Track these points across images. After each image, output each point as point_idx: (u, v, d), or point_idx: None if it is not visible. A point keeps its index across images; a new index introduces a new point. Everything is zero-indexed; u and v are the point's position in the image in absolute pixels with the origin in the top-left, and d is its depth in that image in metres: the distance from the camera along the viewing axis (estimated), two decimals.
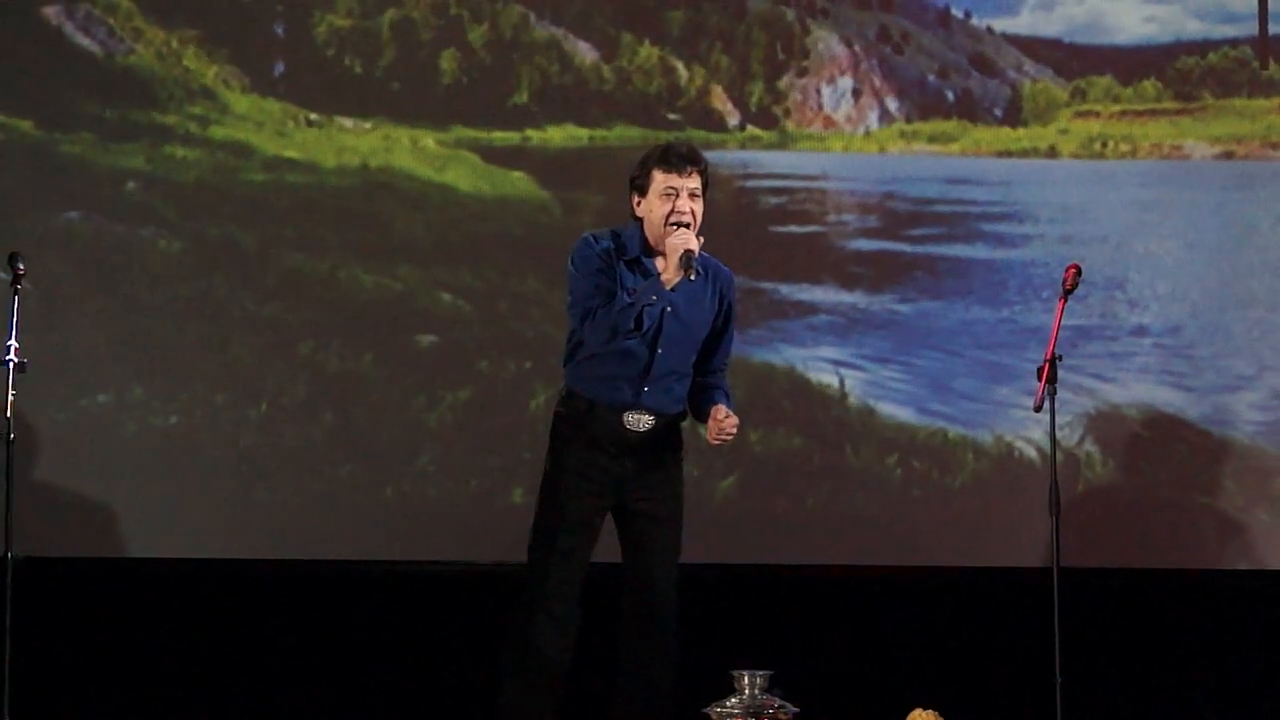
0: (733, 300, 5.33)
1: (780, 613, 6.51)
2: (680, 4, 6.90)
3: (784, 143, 6.89)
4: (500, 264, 6.79)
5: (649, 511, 5.23)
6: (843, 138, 6.90)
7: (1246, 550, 6.60)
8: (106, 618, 6.60)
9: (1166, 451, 6.67)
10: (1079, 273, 5.40)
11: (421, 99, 6.88)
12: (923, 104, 6.91)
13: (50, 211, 6.79)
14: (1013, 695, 6.31)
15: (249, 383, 6.74)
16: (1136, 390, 6.70)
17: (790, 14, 6.91)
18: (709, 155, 5.30)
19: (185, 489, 6.66)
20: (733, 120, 6.90)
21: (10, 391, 5.38)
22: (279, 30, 6.93)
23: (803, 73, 6.92)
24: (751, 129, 6.89)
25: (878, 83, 6.91)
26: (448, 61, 6.89)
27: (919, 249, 6.82)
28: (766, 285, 6.75)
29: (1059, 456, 5.34)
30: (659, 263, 5.13)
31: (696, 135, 6.73)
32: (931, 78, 6.92)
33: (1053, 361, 5.23)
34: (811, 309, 6.78)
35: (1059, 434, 5.34)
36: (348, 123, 6.87)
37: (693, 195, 5.13)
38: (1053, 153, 6.86)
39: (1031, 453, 6.64)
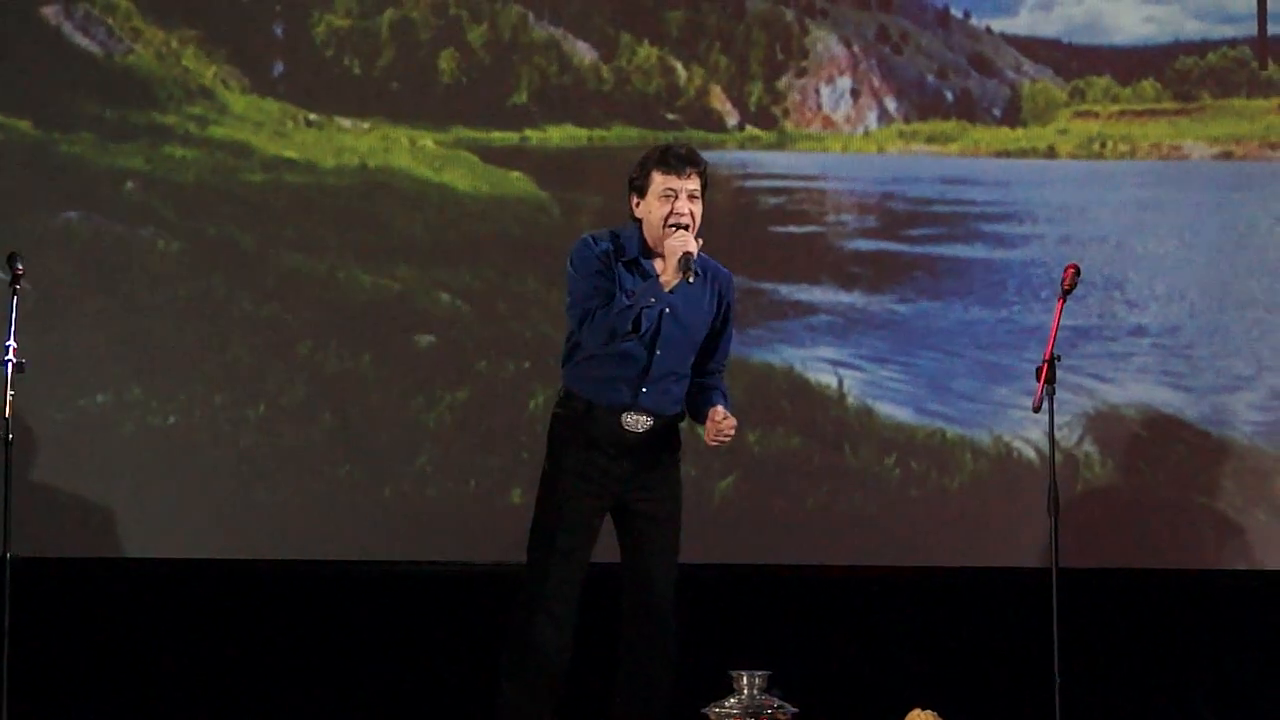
0: (731, 301, 5.33)
1: (779, 613, 6.51)
2: (679, 4, 6.90)
3: (783, 143, 6.89)
4: (499, 264, 6.79)
5: (648, 512, 5.23)
6: (841, 138, 6.90)
7: (1245, 550, 6.60)
8: (105, 618, 6.60)
9: (1165, 452, 6.67)
10: (1078, 273, 5.39)
11: (420, 99, 6.88)
12: (921, 104, 6.92)
13: (49, 211, 6.79)
14: (1011, 695, 6.31)
15: (248, 383, 6.73)
16: (1135, 390, 6.70)
17: (789, 14, 6.91)
18: (708, 155, 5.29)
19: (184, 489, 6.65)
20: (731, 120, 6.90)
21: (9, 392, 5.37)
22: (278, 30, 6.92)
23: (802, 73, 6.92)
24: (750, 129, 6.89)
25: (876, 83, 6.91)
26: (446, 61, 6.89)
27: (918, 249, 6.82)
28: (765, 285, 6.75)
29: (1057, 457, 5.34)
30: (658, 264, 5.13)
31: (695, 135, 6.73)
32: (930, 78, 6.92)
33: (1051, 362, 5.22)
34: (810, 309, 6.78)
35: (1057, 434, 5.34)
36: (346, 123, 6.87)
37: (692, 197, 5.12)
38: (1051, 153, 6.86)
39: (1030, 453, 6.64)
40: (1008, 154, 6.88)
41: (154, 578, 6.62)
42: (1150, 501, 6.65)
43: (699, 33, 6.91)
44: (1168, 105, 6.83)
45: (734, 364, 5.73)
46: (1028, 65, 6.89)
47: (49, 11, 6.87)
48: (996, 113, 6.90)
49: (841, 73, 6.91)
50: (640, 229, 5.18)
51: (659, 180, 5.12)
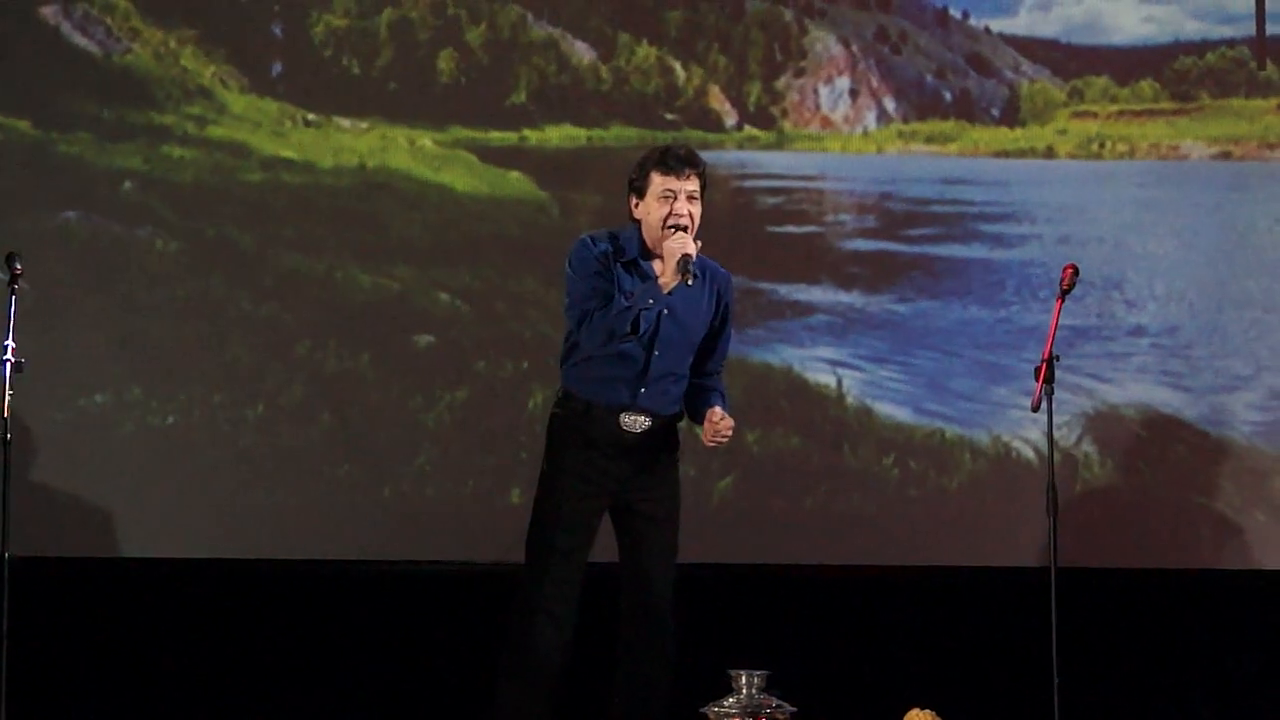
0: (730, 302, 5.33)
1: (777, 612, 6.51)
2: (678, 4, 6.90)
3: (781, 143, 6.89)
4: (498, 264, 6.79)
5: (646, 512, 5.23)
6: (840, 138, 6.90)
7: (1243, 550, 6.60)
8: (104, 618, 6.60)
9: (1164, 452, 6.67)
10: (1076, 273, 5.40)
11: (419, 99, 6.88)
12: (920, 104, 6.92)
13: (47, 211, 6.78)
14: (1010, 695, 6.31)
15: (247, 383, 6.73)
16: (1134, 390, 6.70)
17: (788, 14, 6.91)
18: (706, 155, 5.29)
19: (183, 489, 6.65)
20: (730, 120, 6.90)
21: (8, 391, 5.37)
22: (276, 30, 6.92)
23: (800, 73, 6.92)
24: (749, 129, 6.89)
25: (875, 83, 6.91)
26: (445, 61, 6.89)
27: (916, 249, 6.82)
28: (764, 285, 6.75)
29: (1056, 457, 5.34)
30: (656, 265, 5.12)
31: (694, 135, 6.73)
32: (929, 78, 6.92)
33: (1050, 361, 5.23)
34: (809, 309, 6.78)
35: (1056, 434, 5.34)
36: (345, 123, 6.87)
37: (691, 198, 5.12)
38: (1050, 153, 6.86)
39: (1029, 453, 6.65)
40: (1006, 154, 6.88)
41: (153, 577, 6.62)
42: (1149, 501, 6.65)
43: (697, 33, 6.91)
44: (1166, 105, 6.83)
45: (732, 364, 5.73)
46: (1026, 65, 6.89)
47: (47, 11, 6.87)
48: (995, 113, 6.90)
49: (840, 73, 6.91)
50: (639, 230, 5.18)
51: (658, 181, 5.12)
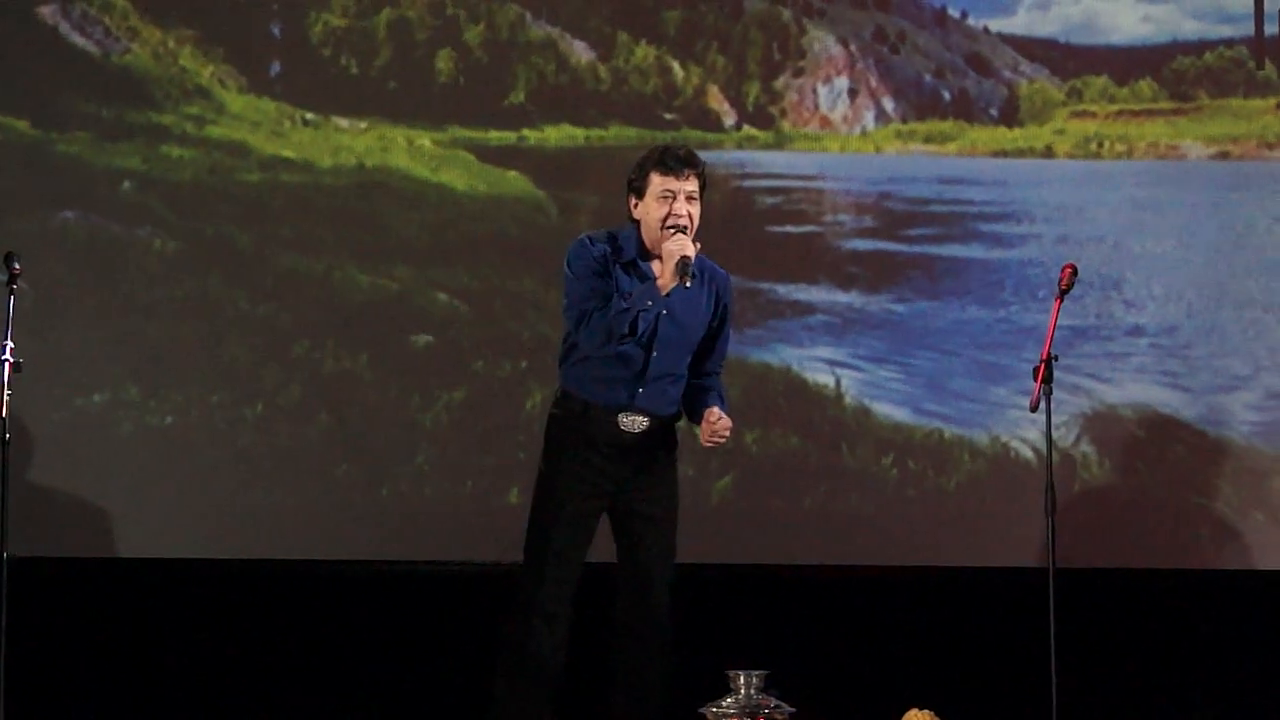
0: (729, 302, 5.33)
1: (776, 613, 6.51)
2: (677, 4, 6.90)
3: (780, 143, 6.89)
4: (496, 264, 6.79)
5: (644, 512, 5.23)
6: (839, 138, 6.90)
7: (1242, 551, 6.60)
8: (102, 618, 6.60)
9: (1162, 452, 6.67)
10: (1075, 273, 5.40)
11: (417, 99, 6.87)
12: (919, 104, 6.92)
13: (46, 211, 6.78)
14: (1009, 695, 6.31)
15: (245, 383, 6.73)
16: (1132, 390, 6.70)
17: (786, 14, 6.91)
18: (705, 155, 5.29)
19: (181, 489, 6.65)
20: (729, 120, 6.89)
21: (6, 391, 5.36)
22: (275, 30, 6.92)
23: (799, 73, 6.92)
24: (748, 129, 6.89)
25: (874, 83, 6.91)
26: (444, 61, 6.89)
27: (915, 249, 6.82)
28: (763, 285, 6.75)
29: (1055, 456, 5.34)
30: (655, 266, 5.12)
31: (693, 135, 6.73)
32: (928, 77, 6.92)
33: (1049, 361, 5.23)
34: (808, 309, 6.78)
35: (1055, 434, 5.34)
36: (344, 122, 6.87)
37: (690, 198, 5.12)
38: (1049, 153, 6.86)
39: (1027, 453, 6.64)
40: (1005, 154, 6.88)
41: (151, 577, 6.62)
42: (1147, 501, 6.65)
43: (696, 32, 6.91)
44: (1165, 105, 6.83)
45: (731, 364, 5.72)
46: (1025, 65, 6.89)
47: (46, 11, 6.87)
48: (994, 112, 6.90)
49: (839, 72, 6.91)
50: (638, 230, 5.18)
51: (657, 181, 5.12)
